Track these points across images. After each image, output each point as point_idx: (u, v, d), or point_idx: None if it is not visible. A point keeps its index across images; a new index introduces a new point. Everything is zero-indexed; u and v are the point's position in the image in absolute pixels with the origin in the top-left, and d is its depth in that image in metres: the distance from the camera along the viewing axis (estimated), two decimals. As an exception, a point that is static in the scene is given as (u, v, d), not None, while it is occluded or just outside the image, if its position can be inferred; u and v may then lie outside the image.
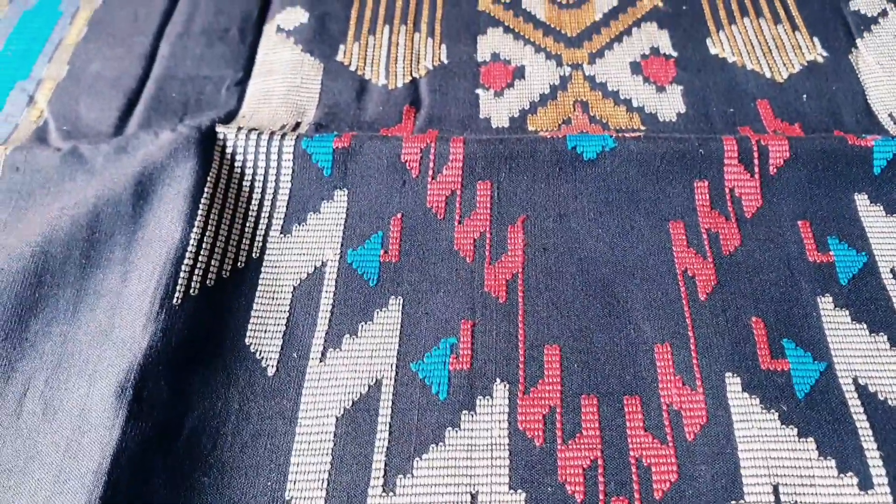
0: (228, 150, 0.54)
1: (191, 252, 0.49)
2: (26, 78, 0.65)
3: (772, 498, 0.41)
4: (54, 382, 0.45)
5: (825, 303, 0.49)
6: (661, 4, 0.70)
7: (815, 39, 0.66)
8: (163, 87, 0.64)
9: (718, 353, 0.46)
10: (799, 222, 0.52)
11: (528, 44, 0.67)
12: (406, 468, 0.42)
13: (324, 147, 0.55)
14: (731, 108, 0.61)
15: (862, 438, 0.43)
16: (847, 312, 0.48)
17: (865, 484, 0.42)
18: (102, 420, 0.42)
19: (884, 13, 0.68)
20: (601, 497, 0.41)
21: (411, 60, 0.65)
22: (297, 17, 0.69)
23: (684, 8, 0.69)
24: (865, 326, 0.48)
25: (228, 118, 0.60)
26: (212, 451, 0.43)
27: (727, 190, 0.53)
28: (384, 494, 0.42)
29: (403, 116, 0.61)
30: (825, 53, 0.65)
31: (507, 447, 0.43)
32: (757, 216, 0.53)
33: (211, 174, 0.53)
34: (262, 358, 0.47)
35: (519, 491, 0.42)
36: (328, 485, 0.42)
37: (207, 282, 0.49)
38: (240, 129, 0.55)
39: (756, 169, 0.54)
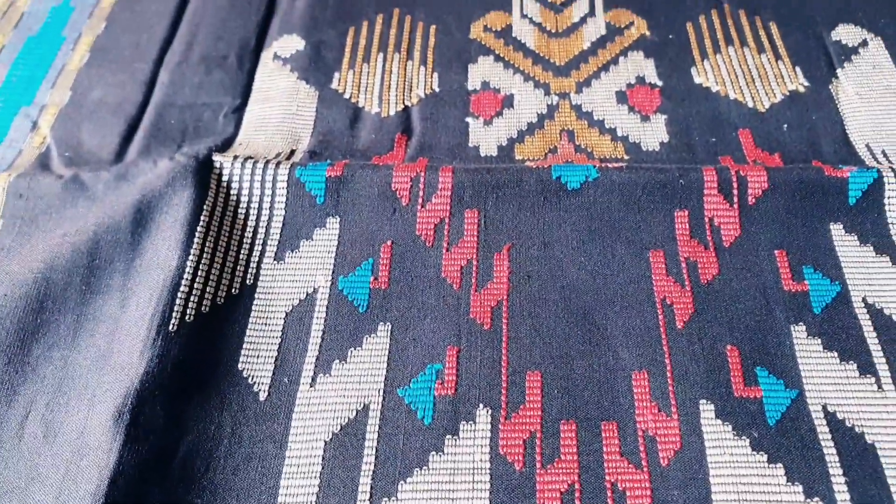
0: (224, 179, 0.56)
1: (187, 279, 0.50)
2: (30, 104, 0.67)
3: (741, 523, 0.43)
4: (55, 406, 0.47)
5: (798, 331, 0.50)
6: (647, 34, 0.71)
7: (798, 69, 0.68)
8: (162, 113, 0.65)
9: (694, 380, 0.48)
10: (775, 251, 0.54)
11: (517, 72, 0.68)
12: (391, 491, 0.44)
13: (317, 175, 0.56)
14: (714, 138, 0.63)
15: (829, 465, 0.45)
16: (819, 341, 0.50)
17: (831, 509, 0.43)
18: (100, 443, 0.44)
19: (864, 43, 0.69)
20: (577, 521, 0.43)
21: (404, 88, 0.67)
22: (293, 44, 0.71)
23: (670, 37, 0.71)
24: (836, 355, 0.49)
25: (225, 145, 0.62)
26: (205, 474, 0.45)
27: (707, 219, 0.55)
28: (370, 517, 0.44)
29: (395, 144, 0.63)
30: (806, 83, 0.67)
31: (488, 471, 0.45)
32: (735, 245, 0.54)
33: (207, 202, 0.54)
34: (255, 383, 0.49)
35: (498, 515, 0.43)
36: (316, 507, 0.44)
37: (203, 308, 0.50)
38: (235, 157, 0.57)
39: (735, 199, 0.56)
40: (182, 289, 0.50)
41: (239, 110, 0.66)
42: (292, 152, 0.62)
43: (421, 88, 0.67)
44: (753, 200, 0.55)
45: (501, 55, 0.70)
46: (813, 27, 0.71)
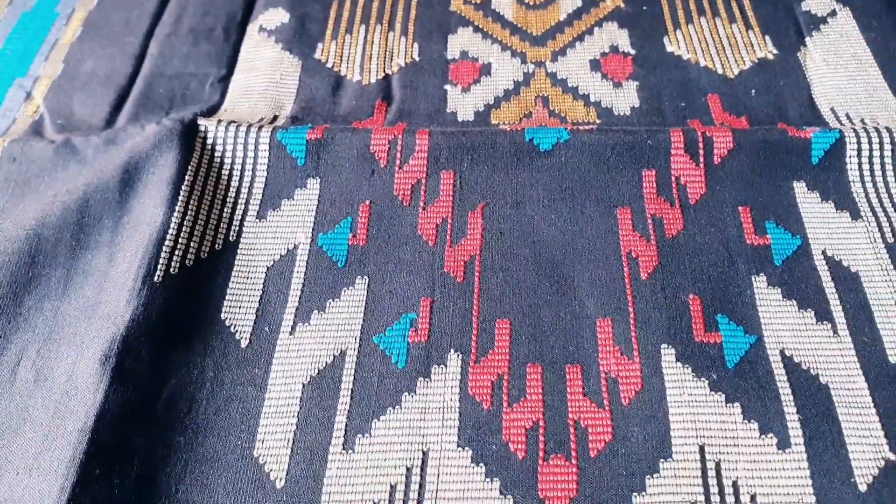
0: (209, 141, 0.58)
1: (171, 234, 0.53)
2: (24, 75, 0.69)
3: (698, 457, 0.45)
4: (45, 353, 0.49)
5: (759, 282, 0.53)
6: (622, 5, 0.73)
7: (767, 38, 0.70)
8: (151, 83, 0.68)
9: (656, 326, 0.50)
10: (739, 208, 0.56)
11: (495, 42, 0.71)
12: (365, 428, 0.46)
13: (298, 138, 0.59)
14: (683, 103, 0.65)
15: (784, 404, 0.47)
16: (779, 290, 0.52)
17: (783, 444, 0.45)
18: (88, 385, 0.46)
19: (833, 13, 0.71)
20: (541, 454, 0.45)
21: (385, 58, 0.69)
22: (278, 17, 0.73)
23: (644, 8, 0.73)
24: (795, 303, 0.52)
25: (211, 112, 0.64)
26: (187, 414, 0.47)
27: (673, 178, 0.57)
28: (343, 452, 0.46)
29: (375, 110, 0.65)
30: (775, 51, 0.69)
31: (457, 409, 0.47)
32: (700, 202, 0.57)
33: (192, 163, 0.57)
34: (237, 331, 0.51)
35: (466, 448, 0.46)
36: (293, 444, 0.46)
37: (187, 262, 0.53)
38: (220, 121, 0.59)
39: (701, 158, 0.58)
40: (167, 243, 0.52)
41: (225, 80, 0.68)
42: (275, 118, 0.64)
43: (401, 58, 0.70)
44: (719, 160, 0.58)
45: (480, 26, 0.72)
46: (783, -2, 0.73)
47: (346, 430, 0.46)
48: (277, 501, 0.44)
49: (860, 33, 0.70)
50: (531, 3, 0.74)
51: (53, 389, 0.47)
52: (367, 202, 0.57)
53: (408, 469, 0.45)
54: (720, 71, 0.67)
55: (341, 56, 0.70)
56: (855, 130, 0.58)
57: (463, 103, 0.66)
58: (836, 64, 0.67)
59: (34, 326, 0.51)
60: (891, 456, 0.45)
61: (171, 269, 0.52)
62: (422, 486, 0.44)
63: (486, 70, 0.68)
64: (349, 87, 0.67)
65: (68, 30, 0.74)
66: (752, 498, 0.44)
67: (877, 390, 0.48)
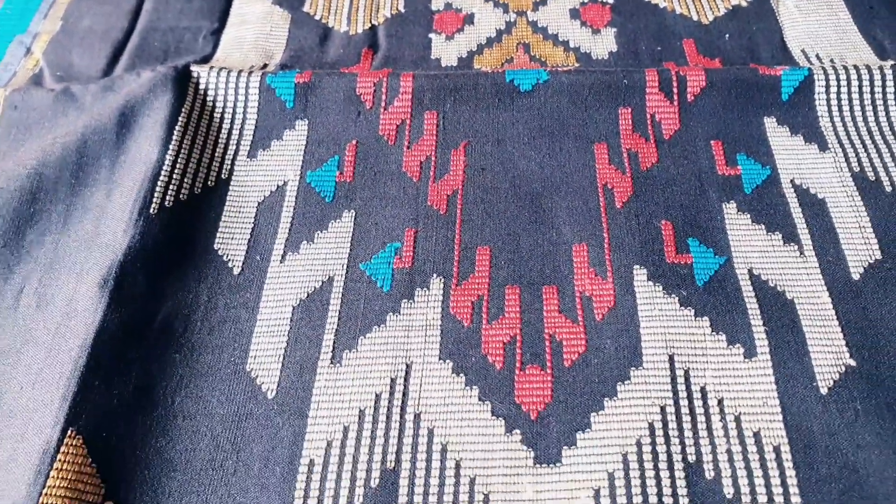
0: (202, 86, 0.61)
1: (166, 170, 0.55)
2: (24, 32, 0.72)
3: (667, 366, 0.47)
4: (47, 281, 0.52)
5: (729, 208, 0.55)
6: (602, -42, 0.76)
7: (742, -14, 0.72)
8: (146, 37, 0.70)
9: (629, 250, 0.53)
10: (712, 142, 0.59)
11: (479, -6, 0.73)
12: (351, 345, 0.49)
13: (286, 82, 0.61)
14: (659, 47, 0.67)
15: (751, 317, 0.49)
16: (749, 216, 0.55)
17: (750, 353, 0.48)
18: (87, 307, 0.48)
19: (806, -38, 0.74)
20: (518, 365, 0.48)
21: (371, 10, 0.72)
22: (269, -27, 0.76)
23: (624, -40, 0.75)
24: (763, 227, 0.54)
25: (204, 61, 0.67)
26: (183, 334, 0.50)
27: (648, 115, 0.60)
28: (332, 365, 0.48)
29: (362, 58, 0.67)
30: (749, -2, 0.71)
31: (439, 327, 0.50)
32: (674, 138, 0.59)
33: (185, 105, 0.59)
34: (229, 260, 0.53)
35: (447, 361, 0.48)
36: (283, 359, 0.48)
37: (181, 196, 0.55)
38: (211, 67, 0.62)
39: (675, 96, 0.60)
40: (161, 179, 0.55)
41: (217, 33, 0.71)
42: (265, 66, 0.66)
43: (387, 9, 0.72)
44: (692, 98, 0.60)
45: (464, -22, 0.75)
46: (758, -53, 0.76)
47: (333, 347, 0.49)
48: (269, 409, 0.46)
49: (833, -19, 0.72)
50: (514, -43, 0.77)
51: (54, 312, 0.50)
52: (354, 142, 0.59)
53: (392, 380, 0.47)
54: (695, 17, 0.70)
55: (329, 9, 0.72)
56: (823, 68, 0.60)
57: (447, 50, 0.68)
58: (808, 9, 0.69)
59: (36, 258, 0.53)
60: (851, 362, 0.47)
61: (166, 203, 0.54)
62: (405, 394, 0.47)
63: (469, 19, 0.71)
64: (336, 38, 0.70)
65: (66, -11, 0.76)
66: (720, 402, 0.46)
67: (840, 304, 0.50)
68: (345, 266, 0.53)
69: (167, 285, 0.51)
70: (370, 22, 0.71)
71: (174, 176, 0.55)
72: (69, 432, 0.43)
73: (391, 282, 0.52)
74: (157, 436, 0.45)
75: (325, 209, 0.56)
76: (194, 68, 0.61)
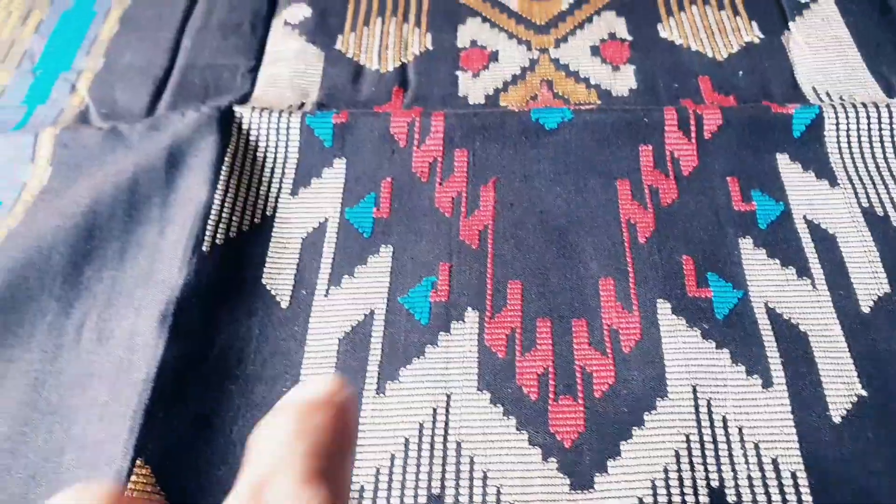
0: (244, 126, 0.64)
1: (215, 210, 0.58)
2: (68, 69, 0.75)
3: (691, 396, 0.51)
4: (106, 316, 0.55)
5: (745, 243, 0.58)
6: (619, -6, 0.79)
7: (753, 23, 0.76)
8: (186, 74, 0.73)
9: (653, 284, 0.56)
10: (728, 178, 0.62)
11: (502, 31, 0.76)
12: (394, 376, 0.52)
13: (325, 122, 0.64)
14: (676, 84, 0.70)
15: (767, 349, 0.52)
16: (764, 251, 0.58)
17: (767, 384, 0.51)
18: (148, 342, 0.52)
19: (815, -1, 0.77)
20: (551, 396, 0.51)
21: (400, 48, 0.75)
22: (301, 12, 0.79)
23: (640, -2, 0.79)
24: (778, 262, 0.57)
25: (243, 100, 0.70)
26: (237, 365, 0.53)
27: (668, 152, 0.63)
28: (377, 396, 0.51)
29: (393, 96, 0.71)
30: (761, 35, 0.74)
31: (475, 359, 0.53)
32: (693, 174, 0.62)
33: (230, 146, 0.62)
34: (276, 294, 0.57)
35: (485, 392, 0.51)
36: (331, 390, 0.52)
37: (230, 234, 0.58)
38: (253, 108, 0.65)
39: (693, 134, 0.63)
40: (212, 218, 0.58)
41: (254, 70, 0.74)
42: (302, 104, 0.70)
43: (416, 47, 0.75)
44: (709, 135, 0.63)
45: (488, 16, 0.78)
46: (769, -15, 0.79)
47: (378, 378, 0.52)
48: (320, 439, 0.50)
49: (840, 17, 0.76)
50: (534, -6, 0.80)
51: (116, 347, 0.53)
52: (389, 179, 0.63)
53: (434, 409, 0.51)
54: (710, 54, 0.73)
55: (360, 46, 0.75)
56: (833, 106, 0.64)
57: (473, 88, 0.71)
58: (818, 46, 0.73)
59: (94, 293, 0.56)
60: (862, 392, 0.50)
61: (217, 241, 0.57)
62: (447, 423, 0.50)
63: (494, 57, 0.74)
64: (368, 76, 0.73)
65: (106, 26, 0.79)
66: (740, 430, 0.49)
67: (851, 336, 0.53)
68: (385, 299, 0.56)
69: (220, 320, 0.55)
70: (400, 60, 0.74)
71: (223, 215, 0.59)
72: (138, 462, 0.47)
73: (429, 315, 0.55)
74: (217, 464, 0.49)
75: (364, 244, 0.59)
76: (237, 109, 0.65)
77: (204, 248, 0.56)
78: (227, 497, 0.30)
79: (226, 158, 0.61)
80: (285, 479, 0.28)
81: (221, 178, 0.60)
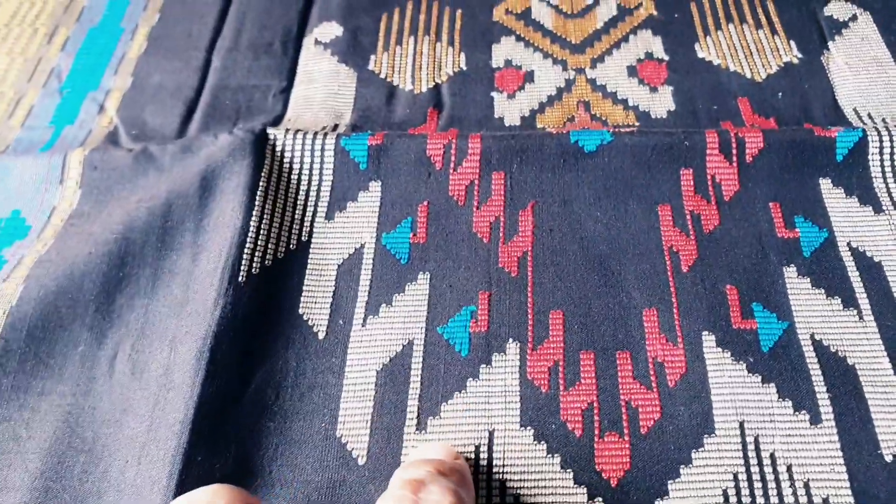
0: (278, 149, 0.63)
1: (251, 237, 0.58)
2: (96, 89, 0.74)
3: (738, 432, 0.50)
4: (139, 347, 0.54)
5: (790, 272, 0.57)
6: (655, 13, 0.78)
7: (792, 42, 0.74)
8: (217, 95, 0.73)
9: (697, 315, 0.55)
10: (770, 204, 0.61)
11: (537, 51, 0.75)
12: (435, 411, 0.51)
13: (360, 144, 0.63)
14: (715, 106, 0.69)
15: (815, 384, 0.51)
16: (808, 280, 0.57)
17: (815, 420, 0.50)
18: (184, 379, 0.51)
19: (854, 17, 0.76)
20: (596, 432, 0.50)
21: (434, 68, 0.74)
22: (332, 30, 0.78)
23: (676, 16, 0.77)
24: (823, 291, 0.56)
25: (276, 122, 0.69)
26: (275, 401, 0.52)
27: (709, 176, 0.62)
28: (417, 432, 0.51)
29: (428, 117, 0.70)
30: (800, 55, 0.73)
31: (518, 393, 0.52)
32: (734, 199, 0.61)
33: (264, 170, 0.61)
34: (314, 325, 0.56)
35: (528, 428, 0.50)
36: (371, 425, 0.51)
37: (266, 262, 0.57)
38: (287, 130, 0.64)
39: (734, 158, 0.62)
40: (247, 245, 0.57)
41: (286, 91, 0.73)
42: (336, 126, 0.69)
43: (449, 67, 0.74)
44: (751, 159, 0.62)
45: (522, 35, 0.77)
46: (807, 4, 0.78)
47: (418, 413, 0.51)
48: (361, 476, 0.49)
49: (880, 36, 0.74)
50: (569, 13, 0.79)
51: (151, 382, 0.52)
52: (426, 203, 0.62)
53: (476, 447, 0.50)
54: (749, 75, 0.72)
55: (393, 67, 0.74)
56: (877, 129, 0.62)
57: (509, 109, 0.70)
58: (858, 66, 0.71)
59: (127, 322, 0.56)
60: (915, 430, 0.49)
61: (253, 270, 0.56)
62: (490, 462, 0.49)
63: (529, 77, 0.73)
64: (402, 97, 0.72)
65: (134, 44, 0.78)
66: (788, 468, 0.48)
67: (901, 370, 0.52)
68: (423, 329, 0.55)
69: (257, 353, 0.54)
70: (434, 80, 0.73)
71: (259, 242, 0.58)
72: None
73: (469, 346, 0.54)
74: None
75: (402, 271, 0.58)
76: (271, 131, 0.64)
77: (240, 279, 0.55)
78: None
79: (260, 182, 0.61)
80: None
81: (256, 203, 0.59)
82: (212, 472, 0.48)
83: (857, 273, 0.57)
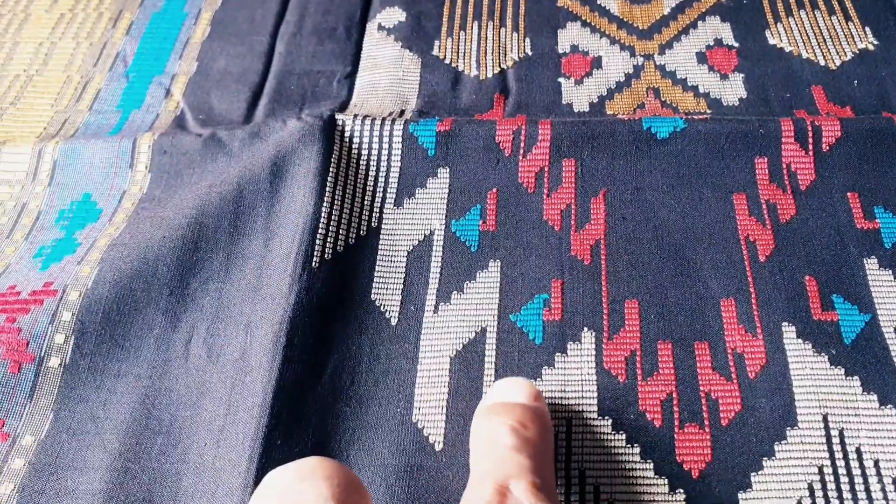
0: (347, 135, 0.63)
1: (323, 222, 0.57)
2: (162, 73, 0.74)
3: (822, 425, 0.49)
4: (214, 330, 0.54)
5: (871, 264, 0.56)
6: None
7: (867, 29, 0.73)
8: (282, 80, 0.73)
9: (776, 306, 0.54)
10: (848, 194, 0.59)
11: (603, 36, 0.74)
12: (511, 399, 0.51)
13: (428, 130, 0.63)
14: (788, 94, 0.68)
15: (901, 377, 0.51)
16: (890, 272, 0.55)
17: (903, 414, 0.49)
18: (262, 363, 0.51)
19: (930, 3, 0.74)
20: (676, 423, 0.49)
21: (499, 53, 0.74)
22: (395, 15, 0.78)
23: (745, 2, 0.76)
24: (906, 283, 0.55)
25: (342, 108, 0.69)
26: (350, 386, 0.52)
27: (784, 165, 0.61)
28: (494, 420, 0.50)
29: (494, 103, 0.69)
30: (876, 42, 0.72)
31: (595, 383, 0.51)
32: (811, 189, 0.60)
33: (334, 155, 0.61)
34: (386, 311, 0.55)
35: (606, 418, 0.50)
36: (447, 410, 0.51)
37: (338, 248, 0.57)
38: (355, 116, 0.64)
39: (810, 147, 0.61)
40: (320, 231, 0.57)
41: (350, 76, 0.73)
42: (402, 112, 0.68)
43: (515, 52, 0.74)
44: (827, 148, 0.61)
45: (588, 21, 0.76)
46: (881, -11, 0.76)
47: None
48: (438, 462, 0.49)
49: (959, 21, 0.73)
50: (634, -2, 0.78)
51: (227, 366, 0.52)
52: (495, 190, 0.61)
53: (554, 435, 0.49)
54: (822, 63, 0.70)
55: (458, 52, 0.74)
56: (959, 117, 0.61)
57: (577, 95, 0.70)
58: (937, 52, 0.70)
59: (201, 306, 0.56)
60: None
61: (326, 255, 0.56)
62: (568, 450, 0.49)
63: (596, 63, 0.72)
64: (468, 82, 0.71)
65: (198, 29, 0.78)
66: (875, 463, 0.47)
67: None
68: (496, 317, 0.55)
69: (332, 338, 0.54)
70: (499, 66, 0.72)
71: (330, 228, 0.57)
72: (258, 488, 0.46)
73: (543, 334, 0.54)
74: (335, 488, 0.48)
75: (472, 259, 0.58)
76: (339, 117, 0.63)
77: (314, 264, 0.55)
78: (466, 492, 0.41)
79: (330, 168, 0.60)
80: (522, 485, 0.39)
81: (327, 189, 0.59)
82: (290, 456, 0.48)
83: (940, 265, 0.56)
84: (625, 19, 0.76)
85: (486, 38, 0.75)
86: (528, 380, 0.49)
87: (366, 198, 0.61)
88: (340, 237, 0.58)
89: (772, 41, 0.73)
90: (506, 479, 0.39)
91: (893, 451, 0.48)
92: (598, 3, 0.78)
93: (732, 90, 0.69)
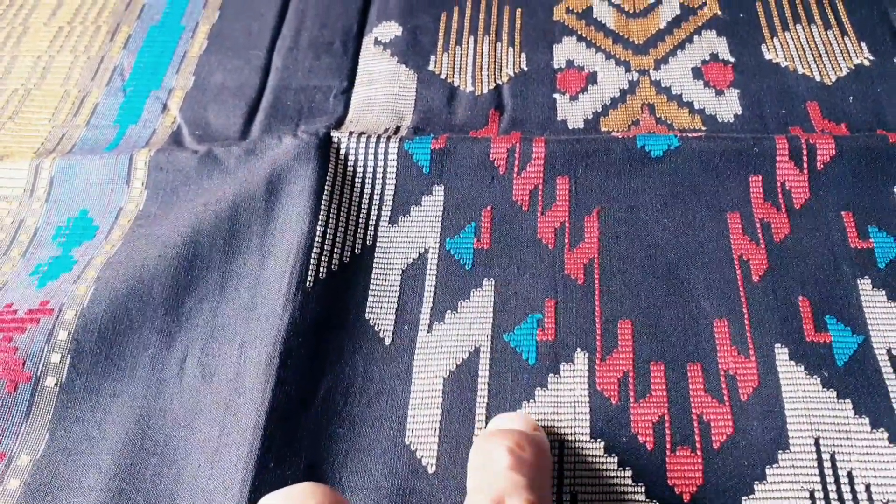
0: (342, 152, 0.63)
1: (318, 241, 0.57)
2: (158, 87, 0.75)
3: (813, 449, 0.49)
4: (208, 350, 0.54)
5: (864, 284, 0.56)
6: (719, 13, 0.77)
7: (863, 44, 0.73)
8: (279, 95, 0.73)
9: (769, 327, 0.54)
10: (843, 213, 0.59)
11: (599, 51, 0.74)
12: (504, 421, 0.51)
13: (423, 148, 0.63)
14: (783, 110, 0.68)
15: (893, 400, 0.50)
16: (884, 292, 0.55)
17: (894, 438, 0.49)
18: (255, 384, 0.51)
19: (926, 18, 0.74)
20: (668, 446, 0.50)
21: (494, 68, 0.74)
22: (391, 30, 0.78)
23: (741, 16, 0.76)
24: (900, 304, 0.55)
25: (338, 124, 0.69)
26: (343, 407, 0.52)
27: (779, 184, 0.61)
28: (486, 442, 0.50)
29: (489, 119, 0.69)
30: (871, 57, 0.72)
31: (587, 404, 0.51)
32: (805, 207, 0.60)
33: (329, 173, 0.61)
34: (380, 330, 0.55)
35: (599, 440, 0.50)
36: (440, 432, 0.51)
37: (332, 266, 0.57)
38: (350, 133, 0.64)
39: (805, 165, 0.61)
40: (315, 249, 0.57)
41: (347, 92, 0.73)
42: (398, 128, 0.68)
43: (510, 68, 0.74)
44: (822, 166, 0.61)
45: (584, 35, 0.76)
46: (878, 4, 0.76)
47: (486, 422, 0.51)
48: (431, 485, 0.49)
49: (955, 37, 0.73)
50: (631, 12, 0.78)
51: (221, 386, 0.52)
52: (489, 207, 0.61)
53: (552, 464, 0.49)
54: (818, 78, 0.70)
55: (453, 67, 0.74)
56: (955, 135, 0.61)
57: (572, 111, 0.70)
58: (932, 70, 0.70)
59: (196, 325, 0.56)
60: None
61: (320, 275, 0.56)
62: (560, 473, 0.49)
63: (592, 78, 0.72)
64: (463, 98, 0.71)
65: (195, 42, 0.79)
66: (867, 488, 0.47)
67: (981, 388, 0.51)
68: (489, 336, 0.55)
69: (326, 358, 0.54)
70: (494, 82, 0.72)
71: (325, 246, 0.58)
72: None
73: (536, 354, 0.54)
74: (328, 511, 0.48)
75: (466, 277, 0.58)
76: (335, 134, 0.64)
77: (308, 284, 0.55)
78: None
79: (325, 186, 0.60)
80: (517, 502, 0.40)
81: (322, 207, 0.59)
82: (283, 479, 0.48)
83: (934, 285, 0.56)
84: (620, 34, 0.76)
85: (482, 52, 0.75)
86: (527, 413, 0.49)
87: (360, 215, 0.61)
88: (335, 255, 0.58)
89: (767, 56, 0.73)
90: (501, 496, 0.40)
91: (885, 476, 0.48)
92: (595, 17, 0.78)
93: (728, 106, 0.69)
